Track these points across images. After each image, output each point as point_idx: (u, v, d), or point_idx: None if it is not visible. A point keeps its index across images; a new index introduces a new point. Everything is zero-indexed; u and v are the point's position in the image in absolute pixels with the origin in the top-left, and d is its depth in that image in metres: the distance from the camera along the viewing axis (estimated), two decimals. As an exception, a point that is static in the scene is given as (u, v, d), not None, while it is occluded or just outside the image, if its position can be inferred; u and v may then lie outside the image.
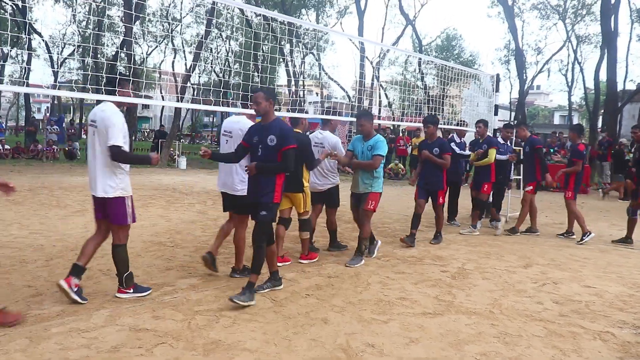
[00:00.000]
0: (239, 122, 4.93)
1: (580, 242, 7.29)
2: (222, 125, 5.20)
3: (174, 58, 38.08)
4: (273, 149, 4.21)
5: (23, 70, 29.20)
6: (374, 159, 5.58)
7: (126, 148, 4.01)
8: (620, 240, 7.40)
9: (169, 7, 31.25)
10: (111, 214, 4.04)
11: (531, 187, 7.82)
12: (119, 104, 4.18)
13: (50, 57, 29.48)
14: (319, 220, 6.27)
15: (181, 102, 14.85)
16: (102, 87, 4.14)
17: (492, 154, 7.61)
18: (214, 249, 4.95)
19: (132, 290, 4.18)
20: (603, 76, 20.86)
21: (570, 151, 7.86)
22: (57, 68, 31.28)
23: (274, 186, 4.21)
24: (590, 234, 7.37)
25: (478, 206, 7.93)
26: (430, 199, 6.86)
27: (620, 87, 23.87)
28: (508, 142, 8.71)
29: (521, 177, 8.95)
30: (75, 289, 3.96)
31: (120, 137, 3.92)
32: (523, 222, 7.91)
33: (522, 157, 8.50)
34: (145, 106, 56.35)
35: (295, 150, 4.29)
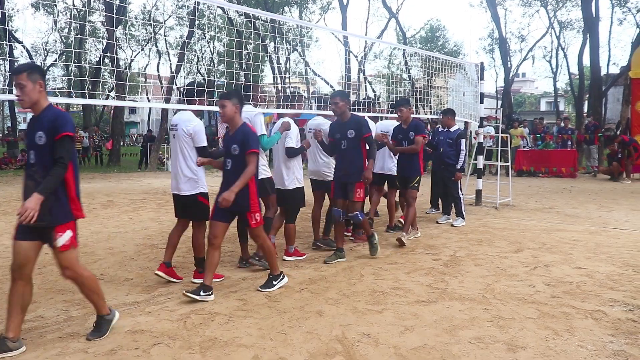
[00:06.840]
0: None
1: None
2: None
3: (159, 61, 37.80)
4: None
5: (5, 79, 28.84)
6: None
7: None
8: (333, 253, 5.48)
9: (151, 9, 31.06)
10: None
11: None
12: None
13: (33, 65, 29.13)
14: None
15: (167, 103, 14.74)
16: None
17: None
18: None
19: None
20: (587, 61, 21.07)
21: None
22: (41, 76, 30.83)
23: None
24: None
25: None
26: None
27: (603, 71, 24.09)
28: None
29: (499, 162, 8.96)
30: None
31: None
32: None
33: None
34: (132, 111, 56.02)
35: None
